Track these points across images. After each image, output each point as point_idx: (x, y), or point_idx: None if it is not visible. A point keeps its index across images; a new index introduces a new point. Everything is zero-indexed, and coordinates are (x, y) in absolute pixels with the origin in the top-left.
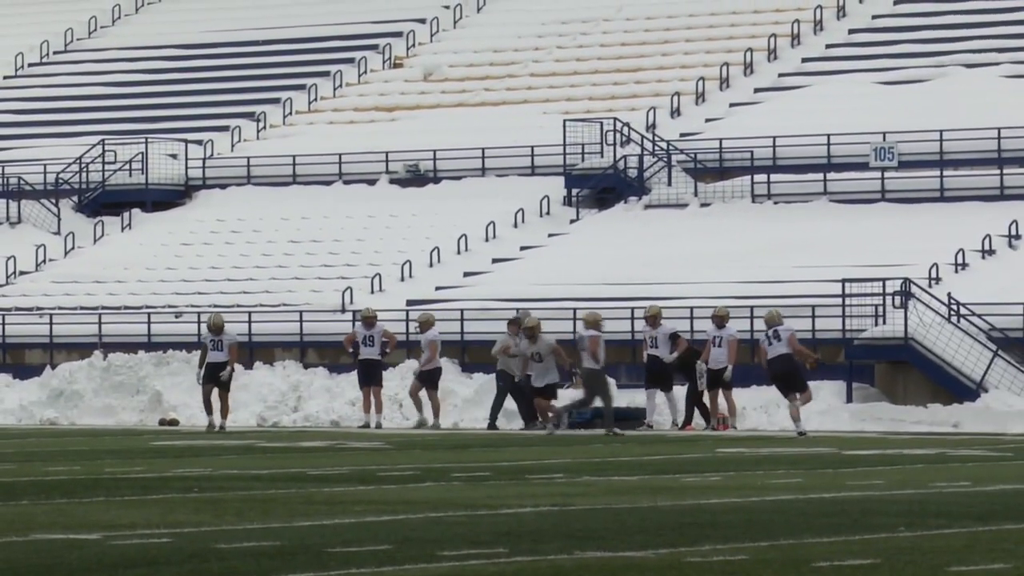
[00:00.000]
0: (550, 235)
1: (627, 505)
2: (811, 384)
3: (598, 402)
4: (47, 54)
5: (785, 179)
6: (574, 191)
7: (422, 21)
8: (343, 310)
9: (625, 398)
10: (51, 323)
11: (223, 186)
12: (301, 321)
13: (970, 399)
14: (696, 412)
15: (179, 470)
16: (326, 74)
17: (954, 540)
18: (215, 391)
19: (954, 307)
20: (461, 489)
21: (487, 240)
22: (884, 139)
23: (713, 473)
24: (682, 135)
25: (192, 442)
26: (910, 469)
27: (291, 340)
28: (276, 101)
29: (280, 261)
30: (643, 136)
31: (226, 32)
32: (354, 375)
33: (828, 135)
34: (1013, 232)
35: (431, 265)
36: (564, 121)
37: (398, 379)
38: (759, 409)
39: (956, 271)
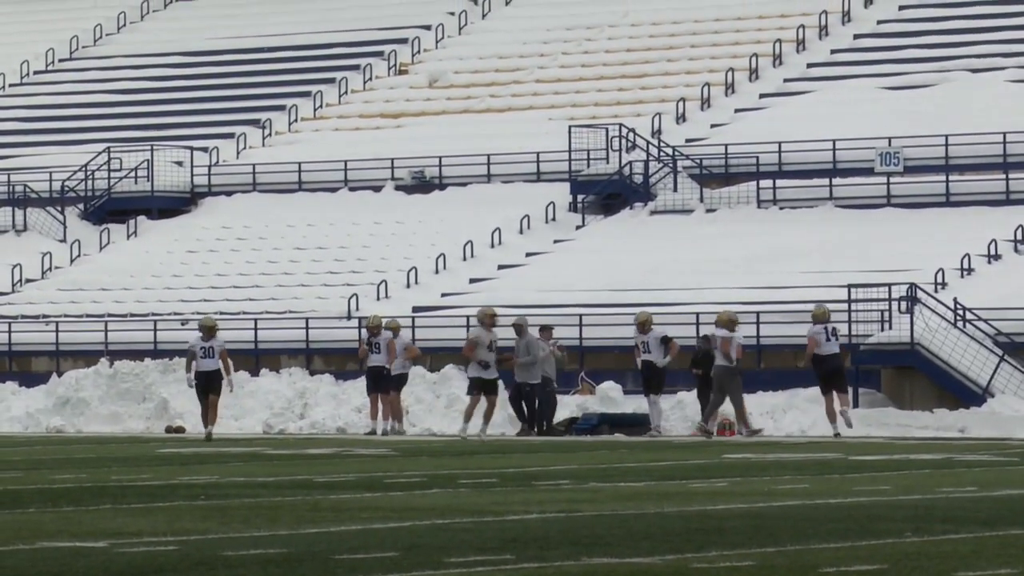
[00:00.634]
0: (556, 241)
1: (634, 511)
2: (816, 389)
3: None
4: (53, 62)
5: (790, 184)
6: (580, 197)
7: (427, 28)
8: (349, 317)
9: (631, 404)
10: (57, 331)
11: (229, 193)
12: (307, 328)
13: (976, 404)
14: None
15: (185, 477)
16: (331, 81)
17: (961, 545)
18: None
19: (960, 312)
20: (467, 496)
21: (493, 246)
22: (889, 144)
23: (720, 479)
24: (687, 141)
25: (198, 449)
26: (917, 474)
27: (297, 347)
28: (282, 108)
29: (286, 268)
30: (648, 142)
31: (231, 39)
32: (361, 382)
33: (833, 140)
34: (1019, 237)
35: (437, 272)
36: (569, 127)
37: (407, 386)
38: (765, 415)
39: (962, 276)
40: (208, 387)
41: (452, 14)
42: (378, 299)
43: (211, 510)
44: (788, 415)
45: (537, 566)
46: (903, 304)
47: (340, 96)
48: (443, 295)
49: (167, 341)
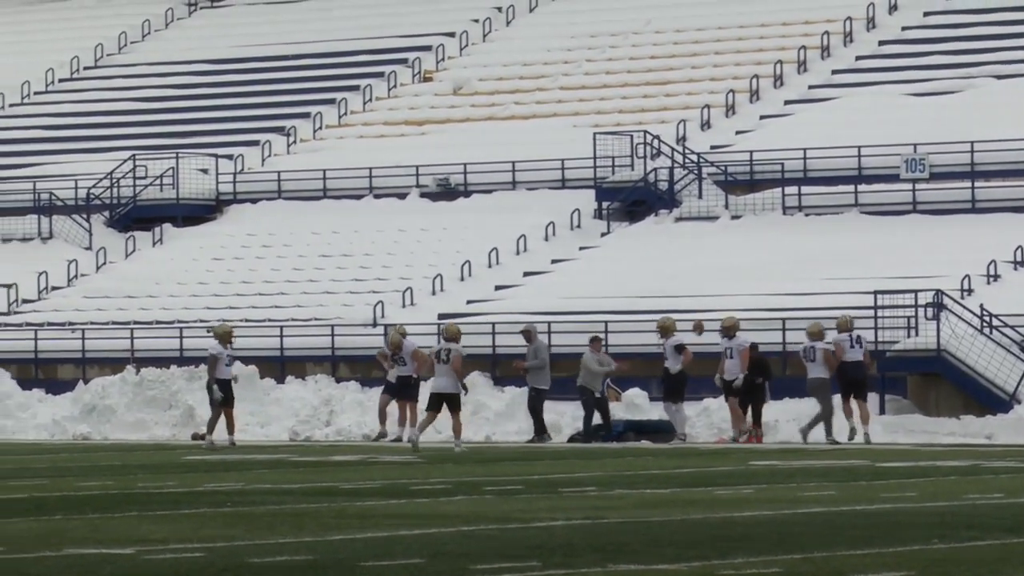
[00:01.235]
0: (581, 248)
1: (659, 518)
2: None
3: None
4: (78, 70)
5: (816, 191)
6: (605, 204)
7: (451, 35)
8: (374, 324)
9: (657, 411)
10: (83, 338)
11: (254, 201)
12: (332, 335)
13: (1003, 411)
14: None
15: (211, 484)
16: (356, 88)
17: (987, 552)
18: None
19: (986, 318)
20: (493, 503)
21: (518, 253)
22: (915, 151)
23: (745, 485)
24: (712, 147)
25: (224, 456)
26: (943, 481)
27: (323, 354)
28: (306, 115)
29: (311, 275)
30: (673, 149)
31: (256, 47)
32: None
33: (859, 147)
34: None
35: (462, 279)
36: (594, 134)
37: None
38: (791, 422)
39: (988, 282)
40: (228, 395)
41: (476, 21)
42: (403, 306)
43: (237, 517)
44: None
45: (563, 573)
46: (929, 311)
47: (365, 103)
48: (468, 302)
49: (193, 348)
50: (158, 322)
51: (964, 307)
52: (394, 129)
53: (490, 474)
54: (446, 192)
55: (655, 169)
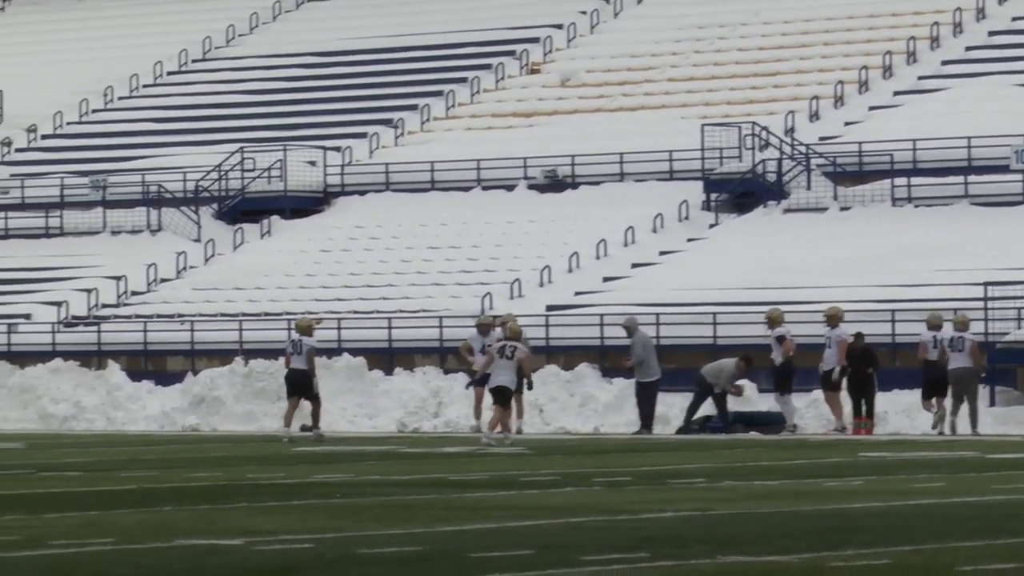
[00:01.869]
0: (689, 240)
1: (769, 510)
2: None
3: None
4: (186, 62)
5: (925, 182)
6: (713, 196)
7: (559, 27)
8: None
9: (766, 402)
10: (192, 330)
11: (362, 193)
12: (441, 327)
13: None
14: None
15: (320, 476)
16: (464, 80)
17: None
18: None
19: None
20: (602, 494)
21: (626, 245)
22: None
23: (855, 477)
24: (821, 139)
25: (333, 448)
26: None
27: (431, 346)
28: (414, 108)
29: (419, 267)
30: (782, 140)
31: (363, 39)
32: None
33: (968, 137)
34: None
35: (570, 270)
36: (702, 126)
37: (539, 384)
38: (901, 413)
39: None
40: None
41: (584, 13)
42: (511, 298)
43: (345, 509)
44: (924, 414)
45: (672, 564)
46: None
47: (472, 95)
48: (576, 294)
49: None
50: (266, 314)
51: None
52: (502, 121)
53: (599, 466)
54: (554, 184)
55: (763, 160)
